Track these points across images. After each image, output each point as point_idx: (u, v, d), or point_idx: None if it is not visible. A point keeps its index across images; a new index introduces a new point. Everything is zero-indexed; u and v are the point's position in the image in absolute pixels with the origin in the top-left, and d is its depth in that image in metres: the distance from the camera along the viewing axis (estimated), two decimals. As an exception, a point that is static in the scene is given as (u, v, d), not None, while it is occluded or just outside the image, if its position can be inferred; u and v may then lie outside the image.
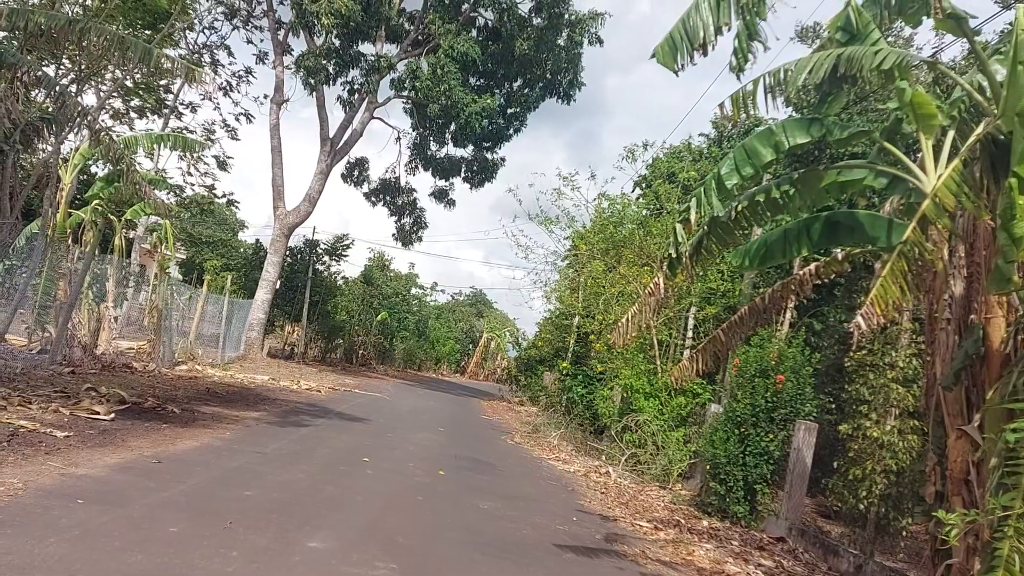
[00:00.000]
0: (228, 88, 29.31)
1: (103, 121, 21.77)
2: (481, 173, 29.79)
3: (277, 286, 27.01)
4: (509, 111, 28.29)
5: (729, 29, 5.32)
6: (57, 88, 9.83)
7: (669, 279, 6.47)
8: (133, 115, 26.23)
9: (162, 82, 25.34)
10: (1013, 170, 4.22)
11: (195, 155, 28.40)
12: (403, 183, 31.05)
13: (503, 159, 30.02)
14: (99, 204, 15.21)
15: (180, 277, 34.63)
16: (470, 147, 28.86)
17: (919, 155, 5.25)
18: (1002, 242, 4.19)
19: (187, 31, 27.43)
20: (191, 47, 28.47)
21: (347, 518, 6.26)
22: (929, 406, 5.20)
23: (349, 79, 26.62)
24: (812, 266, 6.67)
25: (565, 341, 22.76)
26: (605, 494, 10.21)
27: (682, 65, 5.43)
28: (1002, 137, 4.72)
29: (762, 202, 5.91)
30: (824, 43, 6.19)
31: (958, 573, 4.57)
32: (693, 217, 5.72)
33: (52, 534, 4.41)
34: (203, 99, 29.14)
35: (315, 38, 25.59)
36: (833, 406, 9.84)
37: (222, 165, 31.05)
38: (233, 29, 28.92)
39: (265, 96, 28.57)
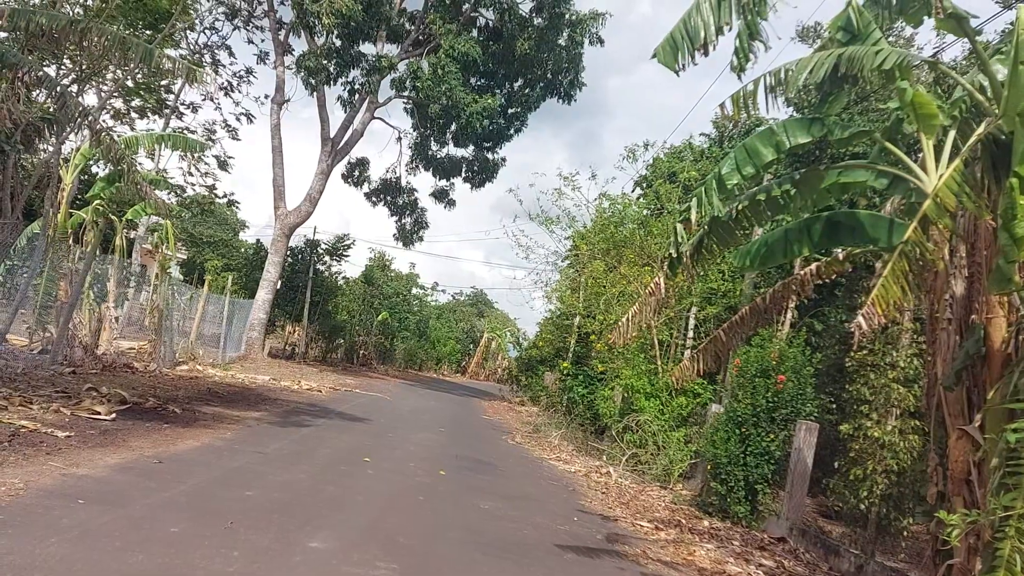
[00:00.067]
0: (229, 88, 29.33)
1: (104, 121, 21.80)
2: (482, 173, 29.80)
3: (278, 286, 27.02)
4: (510, 111, 28.30)
5: (730, 29, 5.32)
6: (58, 88, 9.83)
7: (670, 279, 6.47)
8: (134, 115, 26.25)
9: (163, 82, 25.35)
10: (1014, 170, 4.22)
11: (196, 155, 28.38)
12: (404, 183, 31.07)
13: (504, 159, 30.09)
14: (100, 204, 15.21)
15: (181, 277, 34.63)
16: (471, 147, 28.87)
17: (920, 155, 5.25)
18: (1003, 242, 4.18)
19: (188, 31, 27.47)
20: (192, 47, 28.50)
21: (348, 518, 6.26)
22: (930, 406, 5.20)
23: (350, 79, 26.63)
24: (813, 266, 6.67)
25: (566, 341, 22.76)
26: (606, 494, 10.21)
27: (683, 65, 5.43)
28: (1003, 137, 4.72)
29: (763, 202, 5.91)
30: (825, 43, 6.19)
31: (959, 573, 4.57)
32: (694, 217, 5.72)
33: (53, 534, 4.42)
34: (204, 99, 29.16)
35: (316, 38, 25.59)
36: (834, 406, 9.83)
37: (223, 165, 31.07)
38: (234, 29, 28.96)
39: (266, 96, 28.58)
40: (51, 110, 11.54)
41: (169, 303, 16.41)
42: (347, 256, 34.57)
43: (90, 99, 22.41)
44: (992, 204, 4.78)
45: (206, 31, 28.77)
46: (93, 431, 7.79)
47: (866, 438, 7.73)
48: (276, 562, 4.70)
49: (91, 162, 18.31)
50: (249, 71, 29.79)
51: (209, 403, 11.94)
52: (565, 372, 18.96)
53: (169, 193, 28.34)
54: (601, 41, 26.79)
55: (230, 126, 30.78)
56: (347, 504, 6.79)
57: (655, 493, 10.70)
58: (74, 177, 14.76)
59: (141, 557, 4.32)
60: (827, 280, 6.84)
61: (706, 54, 5.37)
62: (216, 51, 29.20)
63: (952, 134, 5.21)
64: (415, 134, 29.37)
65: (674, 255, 6.09)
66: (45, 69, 12.34)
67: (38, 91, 10.20)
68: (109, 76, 21.28)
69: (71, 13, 15.72)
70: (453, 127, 26.67)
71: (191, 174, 30.87)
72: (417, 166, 30.42)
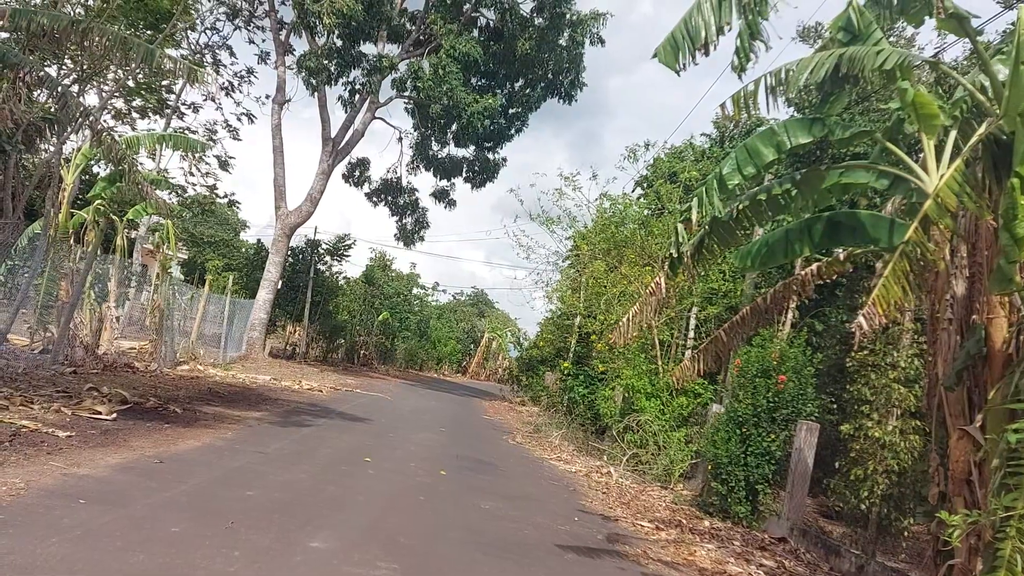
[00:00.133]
0: (230, 88, 29.38)
1: (105, 121, 21.82)
2: (483, 173, 29.81)
3: (279, 286, 27.03)
4: (511, 111, 28.31)
5: (731, 29, 5.32)
6: (59, 88, 9.84)
7: (671, 279, 6.47)
8: (135, 115, 26.27)
9: (164, 82, 25.37)
10: (1015, 170, 4.22)
11: (197, 155, 28.44)
12: (405, 183, 31.09)
13: (504, 159, 30.11)
14: (101, 204, 15.22)
15: (182, 277, 34.66)
16: (472, 147, 28.88)
17: (921, 155, 5.25)
18: (1004, 242, 4.18)
19: (189, 31, 27.50)
20: (193, 47, 28.54)
21: (349, 518, 6.26)
22: (931, 406, 5.20)
23: (351, 79, 26.64)
24: (814, 266, 6.66)
25: (567, 341, 22.76)
26: (606, 494, 10.21)
27: (684, 65, 5.44)
28: (1004, 137, 4.72)
29: (764, 202, 5.91)
30: (826, 43, 6.20)
31: (960, 574, 4.57)
32: (695, 217, 5.71)
33: (54, 534, 4.42)
34: (205, 99, 29.23)
35: (317, 38, 25.60)
36: (835, 406, 9.83)
37: (224, 165, 31.13)
38: (235, 29, 29.04)
39: (267, 96, 28.61)
40: (52, 110, 11.56)
41: (170, 303, 16.42)
42: (348, 256, 34.64)
43: (91, 99, 22.48)
44: (993, 204, 4.78)
45: (207, 31, 28.85)
46: (94, 431, 7.79)
47: (867, 438, 7.72)
48: (277, 562, 4.71)
49: (92, 162, 18.31)
50: (250, 71, 29.90)
51: (210, 403, 11.95)
52: (566, 372, 18.96)
53: (170, 193, 28.40)
54: (602, 41, 26.80)
55: (231, 126, 30.90)
56: (348, 504, 6.79)
57: (656, 493, 10.70)
58: (75, 177, 14.77)
59: (142, 557, 4.32)
60: (828, 280, 6.84)
61: (707, 54, 5.37)
62: (217, 51, 29.31)
63: (953, 134, 5.21)
64: (416, 134, 29.41)
65: (675, 255, 6.09)
66: (46, 69, 12.35)
67: (39, 91, 10.20)
68: (110, 76, 21.29)
69: (72, 13, 15.73)
70: (454, 127, 26.68)
71: (192, 174, 30.97)
72: (418, 166, 30.44)
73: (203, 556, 4.52)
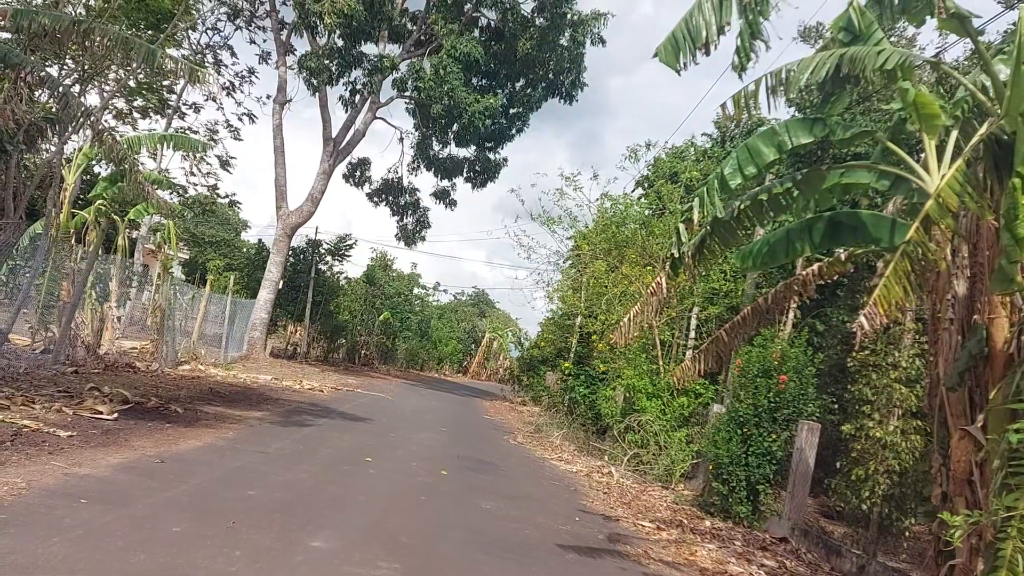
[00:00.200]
0: (231, 88, 29.38)
1: (106, 121, 21.83)
2: (484, 173, 29.82)
3: (280, 286, 27.05)
4: (512, 111, 28.32)
5: (731, 28, 5.32)
6: (60, 88, 9.85)
7: (672, 279, 6.46)
8: (136, 115, 26.28)
9: (165, 82, 25.37)
10: (1016, 170, 4.22)
11: (198, 155, 28.44)
12: (406, 183, 31.10)
13: (505, 159, 30.12)
14: (102, 204, 15.23)
15: (183, 277, 34.69)
16: (473, 147, 28.89)
17: (922, 155, 5.24)
18: (1005, 242, 4.18)
19: (190, 31, 27.52)
20: (194, 47, 28.56)
21: (350, 518, 6.26)
22: (932, 406, 5.20)
23: (352, 79, 26.66)
24: (815, 266, 6.66)
25: (568, 341, 22.75)
26: (607, 494, 10.21)
27: (684, 64, 5.44)
28: (1005, 137, 4.72)
29: (765, 202, 5.91)
30: (827, 43, 6.19)
31: (961, 574, 4.57)
32: (696, 217, 5.71)
33: (55, 534, 4.42)
34: (206, 99, 29.20)
35: (318, 38, 25.62)
36: (836, 406, 9.83)
37: (225, 165, 31.12)
38: (236, 29, 29.02)
39: (268, 96, 28.69)
40: (53, 110, 11.56)
41: (171, 303, 16.43)
42: (349, 256, 34.67)
43: (93, 99, 22.46)
44: (994, 204, 4.78)
45: (208, 31, 28.87)
46: (95, 431, 7.80)
47: (868, 438, 7.72)
48: (278, 562, 4.71)
49: (93, 162, 18.31)
50: (251, 71, 29.91)
51: (211, 403, 11.96)
52: (567, 372, 18.96)
53: (171, 193, 28.41)
54: (603, 41, 26.82)
55: (232, 126, 30.88)
56: (349, 504, 6.80)
57: (657, 493, 10.69)
58: (76, 177, 14.79)
59: (143, 557, 4.33)
60: (829, 280, 6.84)
61: (707, 53, 5.37)
62: (218, 51, 29.33)
63: (954, 134, 5.21)
64: (417, 134, 29.41)
65: (676, 255, 6.09)
66: (47, 69, 12.35)
67: (40, 91, 10.20)
68: (111, 76, 21.28)
69: (73, 13, 15.73)
70: (455, 127, 26.69)
71: (193, 174, 30.97)
72: (419, 166, 30.45)
73: (204, 556, 4.53)
